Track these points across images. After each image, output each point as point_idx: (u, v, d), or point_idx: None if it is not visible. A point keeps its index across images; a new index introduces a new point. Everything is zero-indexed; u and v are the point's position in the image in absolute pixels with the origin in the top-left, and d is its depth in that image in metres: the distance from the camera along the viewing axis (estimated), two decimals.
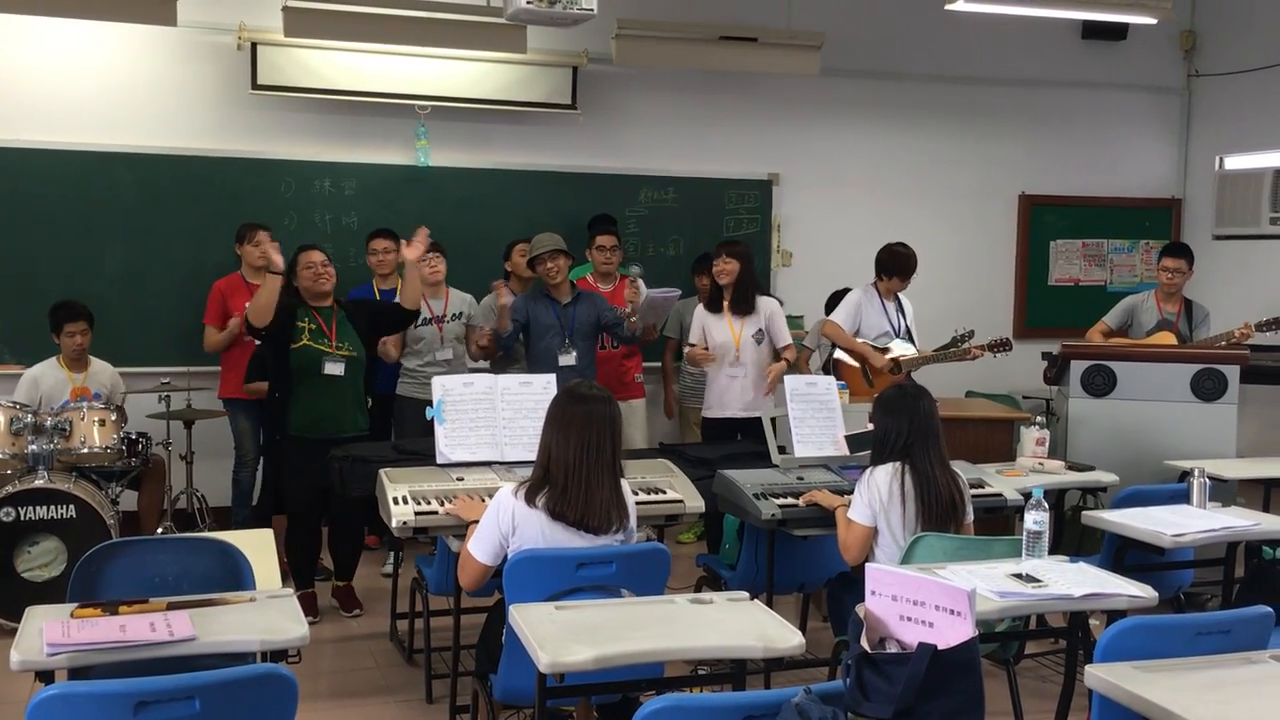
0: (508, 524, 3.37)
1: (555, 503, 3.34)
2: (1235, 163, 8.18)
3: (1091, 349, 5.89)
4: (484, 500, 3.92)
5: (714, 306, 5.64)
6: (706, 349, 5.59)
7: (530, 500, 3.36)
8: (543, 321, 5.65)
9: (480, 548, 3.43)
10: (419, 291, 5.37)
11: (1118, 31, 8.27)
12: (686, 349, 5.82)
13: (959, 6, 6.46)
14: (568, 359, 5.60)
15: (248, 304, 5.33)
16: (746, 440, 5.27)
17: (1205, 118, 8.59)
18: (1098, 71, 8.43)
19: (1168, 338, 6.06)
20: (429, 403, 4.54)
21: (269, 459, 5.50)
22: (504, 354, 5.74)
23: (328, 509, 5.27)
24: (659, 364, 7.03)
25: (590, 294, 5.90)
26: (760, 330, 5.60)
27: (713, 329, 5.62)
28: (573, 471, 3.34)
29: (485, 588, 3.96)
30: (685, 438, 6.81)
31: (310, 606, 5.26)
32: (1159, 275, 6.27)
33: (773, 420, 4.87)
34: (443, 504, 3.99)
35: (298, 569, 5.28)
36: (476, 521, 3.62)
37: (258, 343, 6.00)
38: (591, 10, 4.43)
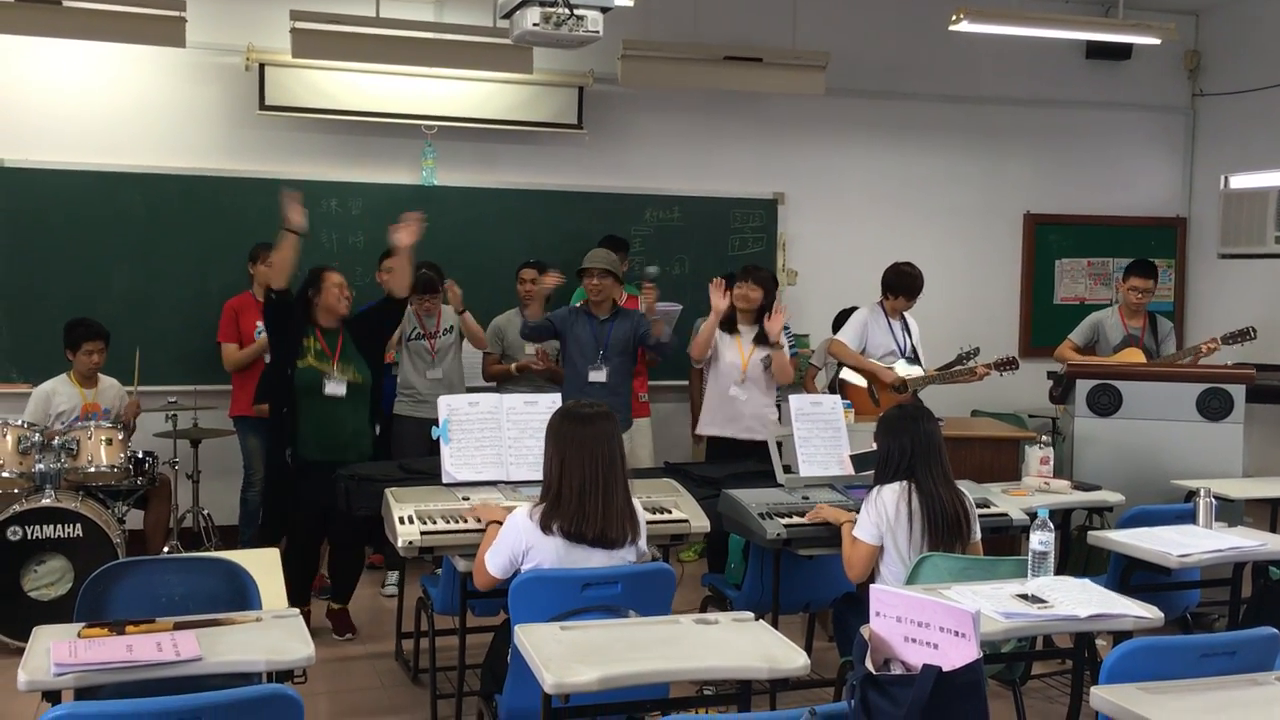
0: (520, 548, 3.39)
1: (571, 524, 3.35)
2: (1240, 182, 8.19)
3: (1096, 368, 5.86)
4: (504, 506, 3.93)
5: (726, 325, 5.62)
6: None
7: (546, 528, 3.36)
8: (579, 337, 5.68)
9: (494, 561, 3.46)
10: (408, 278, 5.25)
11: (1122, 51, 8.30)
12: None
13: (963, 27, 6.49)
14: (598, 375, 5.62)
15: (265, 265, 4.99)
16: (752, 460, 5.26)
17: (1210, 137, 8.60)
18: (1102, 91, 8.45)
19: (1135, 354, 6.06)
20: (425, 421, 4.47)
21: (269, 477, 5.50)
22: (538, 337, 5.77)
23: (328, 530, 5.27)
24: (667, 382, 7.03)
25: (630, 311, 5.86)
26: (769, 355, 5.61)
27: (722, 346, 5.61)
28: (588, 491, 3.36)
29: (491, 607, 4.01)
30: (699, 457, 6.80)
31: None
32: (1128, 294, 6.24)
33: (778, 441, 4.88)
34: (449, 523, 3.98)
35: (294, 588, 5.27)
36: (497, 522, 3.64)
37: (267, 360, 6.03)
38: (598, 32, 4.44)
